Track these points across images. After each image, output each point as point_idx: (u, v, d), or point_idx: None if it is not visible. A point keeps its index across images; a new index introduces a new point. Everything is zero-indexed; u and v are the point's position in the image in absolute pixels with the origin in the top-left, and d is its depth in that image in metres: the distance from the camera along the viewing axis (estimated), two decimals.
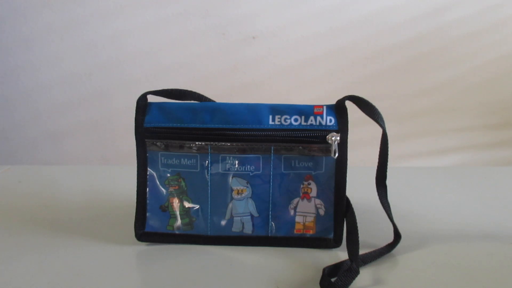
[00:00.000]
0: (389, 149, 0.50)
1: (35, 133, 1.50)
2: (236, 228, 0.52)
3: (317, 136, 0.49)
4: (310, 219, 0.52)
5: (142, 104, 0.51)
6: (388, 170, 0.52)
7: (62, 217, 0.62)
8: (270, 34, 1.42)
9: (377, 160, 0.51)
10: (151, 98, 0.52)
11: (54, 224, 0.59)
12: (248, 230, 0.52)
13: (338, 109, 0.50)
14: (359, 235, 0.47)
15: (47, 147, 1.51)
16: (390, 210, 0.52)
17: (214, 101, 0.55)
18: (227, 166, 0.51)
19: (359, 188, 0.59)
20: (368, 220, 0.57)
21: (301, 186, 0.51)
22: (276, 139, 0.50)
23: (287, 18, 1.41)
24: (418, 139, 1.53)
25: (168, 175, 0.52)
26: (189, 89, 0.54)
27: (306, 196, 0.51)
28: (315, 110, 0.50)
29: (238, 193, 0.51)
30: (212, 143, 0.50)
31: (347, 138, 0.50)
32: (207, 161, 0.51)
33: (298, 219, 0.52)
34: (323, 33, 1.42)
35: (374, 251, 0.49)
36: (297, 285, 0.44)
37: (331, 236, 0.52)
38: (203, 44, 1.42)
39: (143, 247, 0.52)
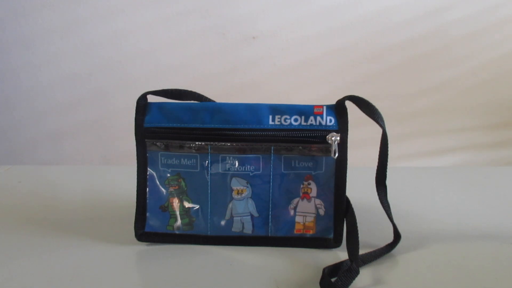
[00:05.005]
0: (389, 149, 0.50)
1: (35, 133, 1.50)
2: (236, 228, 0.52)
3: (317, 136, 0.49)
4: (310, 219, 0.52)
5: (142, 104, 0.51)
6: (388, 170, 0.52)
7: (62, 217, 0.62)
8: (270, 34, 1.42)
9: (377, 160, 0.51)
10: (151, 98, 0.52)
11: (54, 224, 0.59)
12: (248, 230, 0.52)
13: (338, 109, 0.50)
14: (359, 235, 0.47)
15: (47, 147, 1.51)
16: (390, 210, 0.52)
17: (214, 101, 0.55)
18: (227, 166, 0.51)
19: (359, 188, 0.59)
20: (368, 220, 0.57)
21: (301, 186, 0.51)
22: (276, 139, 0.50)
23: (287, 18, 1.41)
24: (418, 139, 1.53)
25: (168, 175, 0.52)
26: (189, 89, 0.54)
27: (306, 196, 0.51)
28: (315, 110, 0.50)
29: (238, 193, 0.51)
30: (212, 143, 0.50)
31: (347, 138, 0.50)
32: (207, 161, 0.51)
33: (298, 219, 0.52)
34: (323, 33, 1.42)
35: (374, 251, 0.49)
36: (297, 285, 0.44)
37: (331, 236, 0.52)
38: (203, 44, 1.42)
39: (143, 247, 0.52)
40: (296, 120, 0.50)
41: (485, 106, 1.50)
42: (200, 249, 0.51)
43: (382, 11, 1.41)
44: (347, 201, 0.52)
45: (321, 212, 0.51)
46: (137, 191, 0.52)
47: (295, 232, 0.52)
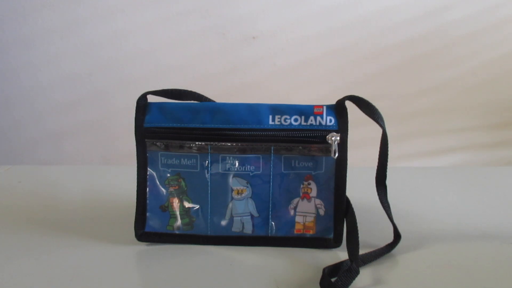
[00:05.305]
0: (389, 149, 0.50)
1: (35, 133, 1.50)
2: (236, 228, 0.52)
3: (317, 136, 0.49)
4: (310, 219, 0.52)
5: (142, 104, 0.51)
6: (388, 170, 0.52)
7: (62, 217, 0.62)
8: (270, 34, 1.42)
9: (377, 160, 0.51)
10: (151, 98, 0.52)
11: (54, 224, 0.59)
12: (248, 230, 0.52)
13: (338, 109, 0.50)
14: (359, 235, 0.47)
15: (47, 147, 1.51)
16: (390, 210, 0.52)
17: (214, 101, 0.55)
18: (227, 166, 0.51)
19: (359, 188, 0.59)
20: (368, 220, 0.57)
21: (301, 186, 0.51)
22: (276, 139, 0.50)
23: (287, 18, 1.41)
24: (418, 139, 1.53)
25: (168, 175, 0.52)
26: (189, 89, 0.54)
27: (306, 196, 0.51)
28: (315, 110, 0.50)
29: (238, 193, 0.51)
30: (212, 143, 0.50)
31: (347, 138, 0.50)
32: (207, 161, 0.51)
33: (298, 219, 0.52)
34: (323, 33, 1.42)
35: (374, 251, 0.49)
36: (297, 285, 0.44)
37: (331, 236, 0.52)
38: (203, 44, 1.42)
39: (143, 247, 0.52)
40: (296, 120, 0.50)
41: (485, 106, 1.50)
42: (200, 249, 0.51)
43: (382, 11, 1.41)
44: (347, 201, 0.52)
45: (321, 212, 0.51)
46: (137, 191, 0.52)
47: (295, 232, 0.52)
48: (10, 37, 1.40)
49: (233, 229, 0.52)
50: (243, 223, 0.52)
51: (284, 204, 0.52)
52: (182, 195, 0.52)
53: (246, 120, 0.50)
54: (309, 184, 0.51)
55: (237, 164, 0.51)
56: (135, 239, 0.52)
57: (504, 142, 1.54)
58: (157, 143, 0.51)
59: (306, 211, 0.52)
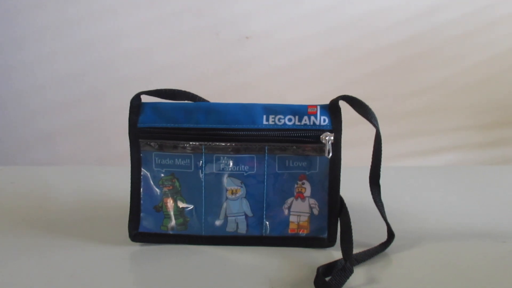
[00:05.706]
0: (382, 148, 0.51)
1: (28, 133, 1.49)
2: (230, 228, 0.52)
3: (311, 136, 0.50)
4: (304, 218, 0.52)
5: (136, 104, 0.51)
6: (381, 169, 0.52)
7: (55, 218, 0.61)
8: (264, 34, 1.42)
9: (370, 160, 0.52)
10: (145, 98, 0.52)
11: (47, 225, 0.58)
12: (242, 230, 0.52)
13: (332, 109, 0.50)
14: (353, 234, 0.47)
15: (40, 148, 1.50)
16: (383, 210, 0.52)
17: (208, 101, 0.55)
18: (221, 166, 0.51)
19: (353, 187, 0.59)
20: (362, 219, 0.57)
21: (295, 185, 0.51)
22: (270, 139, 0.50)
23: (281, 18, 1.41)
24: (412, 138, 1.54)
25: (162, 175, 0.52)
26: (183, 89, 0.54)
27: (300, 195, 0.52)
28: (309, 110, 0.50)
29: (232, 193, 0.51)
30: (206, 143, 0.50)
31: (341, 138, 0.50)
32: (201, 161, 0.51)
33: (292, 218, 0.52)
34: (317, 33, 1.43)
35: (368, 250, 0.49)
36: (291, 284, 0.44)
37: (325, 235, 0.52)
38: (196, 44, 1.42)
39: (137, 247, 0.52)
40: (290, 120, 0.50)
41: (478, 106, 1.51)
42: (195, 249, 0.51)
43: (375, 11, 1.41)
44: (341, 201, 0.52)
45: (315, 211, 0.52)
46: (131, 191, 0.52)
47: (289, 231, 0.52)
48: (2, 37, 1.39)
49: (227, 229, 0.52)
50: (237, 223, 0.52)
51: (278, 204, 0.52)
52: (176, 195, 0.52)
53: (240, 120, 0.50)
54: (303, 183, 0.51)
55: (231, 164, 0.51)
56: (129, 239, 0.52)
57: (496, 142, 1.56)
58: (151, 143, 0.51)
59: (300, 210, 0.52)
